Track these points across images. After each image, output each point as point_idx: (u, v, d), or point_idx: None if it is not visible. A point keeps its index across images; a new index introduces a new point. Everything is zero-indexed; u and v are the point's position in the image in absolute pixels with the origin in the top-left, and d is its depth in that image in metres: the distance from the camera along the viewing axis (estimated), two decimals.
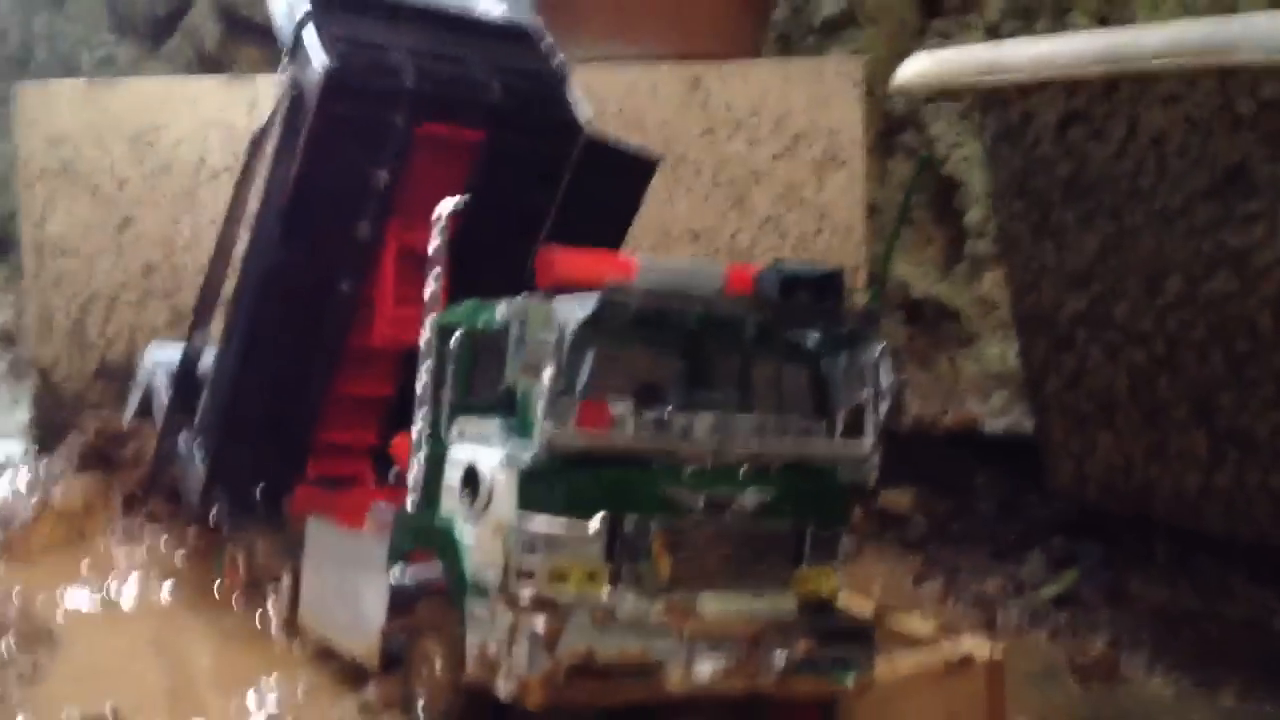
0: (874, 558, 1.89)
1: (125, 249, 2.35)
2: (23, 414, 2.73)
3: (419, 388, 1.14)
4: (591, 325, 0.99)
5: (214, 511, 1.56)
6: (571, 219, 1.47)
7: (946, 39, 2.76)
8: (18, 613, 1.30)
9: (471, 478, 1.04)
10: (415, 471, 1.12)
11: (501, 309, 1.05)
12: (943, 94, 1.68)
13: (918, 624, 1.27)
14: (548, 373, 0.98)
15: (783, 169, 2.22)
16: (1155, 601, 1.67)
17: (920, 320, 2.86)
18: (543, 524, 0.99)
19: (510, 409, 1.02)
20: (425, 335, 1.14)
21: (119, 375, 2.28)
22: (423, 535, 1.10)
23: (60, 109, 2.35)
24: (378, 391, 1.57)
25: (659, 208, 2.18)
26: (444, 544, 1.06)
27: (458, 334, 1.08)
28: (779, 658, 1.03)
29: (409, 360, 1.51)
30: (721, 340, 1.08)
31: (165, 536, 1.64)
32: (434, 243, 1.14)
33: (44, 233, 2.34)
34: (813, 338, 1.11)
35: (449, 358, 1.09)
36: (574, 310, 0.98)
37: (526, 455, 0.99)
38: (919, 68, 1.70)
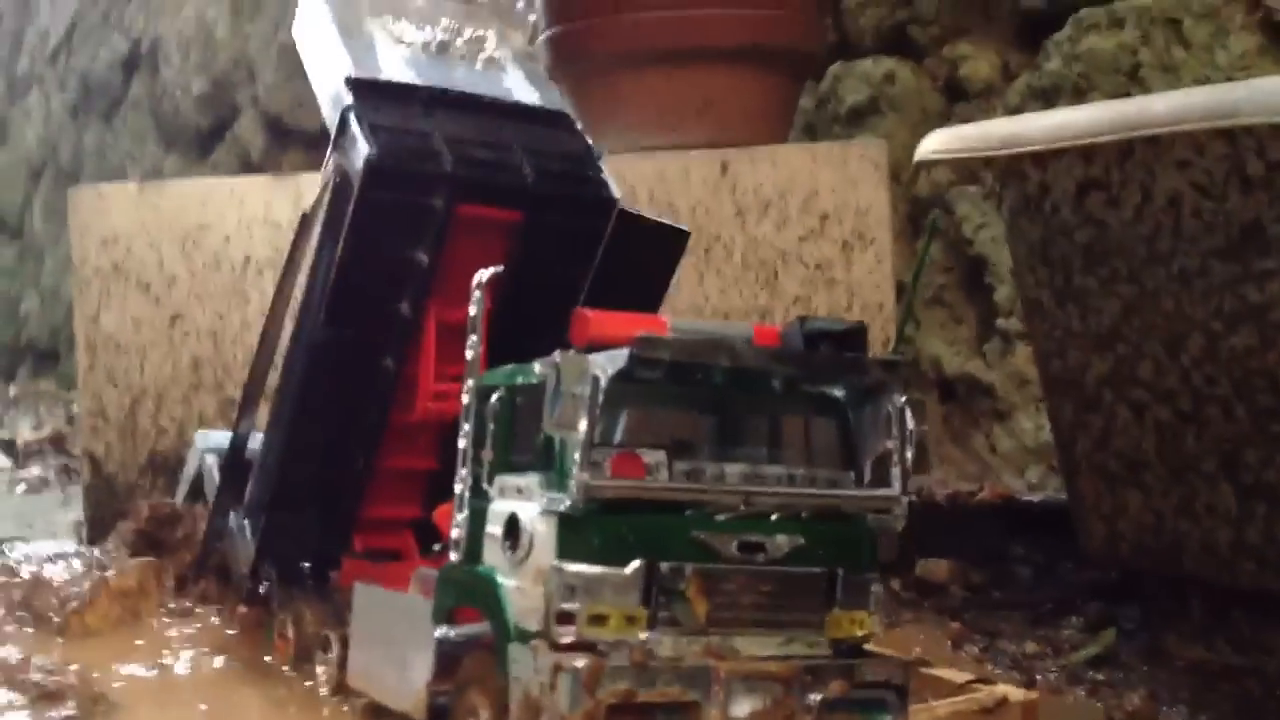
0: (912, 624, 1.91)
1: (175, 343, 2.42)
2: (74, 513, 2.80)
3: (460, 449, 1.18)
4: (625, 377, 1.03)
5: (263, 586, 1.61)
6: (607, 290, 1.51)
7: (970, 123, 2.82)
8: (78, 680, 1.35)
9: (512, 529, 1.08)
10: (458, 529, 1.17)
11: (538, 366, 1.10)
12: (962, 166, 1.73)
13: (952, 673, 1.30)
14: (582, 424, 1.02)
15: (811, 249, 2.27)
16: (1192, 659, 1.68)
17: (954, 398, 2.89)
18: (581, 570, 1.02)
19: (548, 463, 1.07)
20: (465, 398, 1.19)
21: (169, 465, 2.34)
22: (467, 588, 1.14)
23: (112, 211, 2.44)
24: (420, 465, 1.61)
25: (691, 289, 2.24)
26: (487, 595, 1.09)
27: (497, 394, 1.13)
28: (814, 698, 1.06)
29: (449, 435, 1.56)
30: (749, 394, 1.12)
31: (216, 614, 1.68)
32: (472, 310, 1.19)
33: (97, 329, 2.42)
34: (837, 391, 1.15)
35: (488, 417, 1.14)
36: (608, 362, 1.03)
37: (564, 504, 1.03)
38: (937, 143, 1.75)
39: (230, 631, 1.59)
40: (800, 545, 1.08)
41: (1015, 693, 1.17)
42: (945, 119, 2.91)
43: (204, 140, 6.00)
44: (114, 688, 1.36)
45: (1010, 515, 2.43)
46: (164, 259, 2.42)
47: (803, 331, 1.12)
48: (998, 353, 2.77)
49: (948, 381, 2.88)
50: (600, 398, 1.01)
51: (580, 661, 0.99)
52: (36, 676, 1.32)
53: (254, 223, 2.41)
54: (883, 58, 3.06)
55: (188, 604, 1.69)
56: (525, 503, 1.07)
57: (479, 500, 1.14)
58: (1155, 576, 1.79)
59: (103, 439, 2.42)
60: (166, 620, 1.65)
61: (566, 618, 1.02)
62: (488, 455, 1.14)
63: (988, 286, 2.80)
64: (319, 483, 1.59)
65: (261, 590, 1.62)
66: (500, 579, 1.08)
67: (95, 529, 2.32)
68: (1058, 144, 1.60)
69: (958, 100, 2.92)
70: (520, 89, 1.65)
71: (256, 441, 1.71)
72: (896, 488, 1.12)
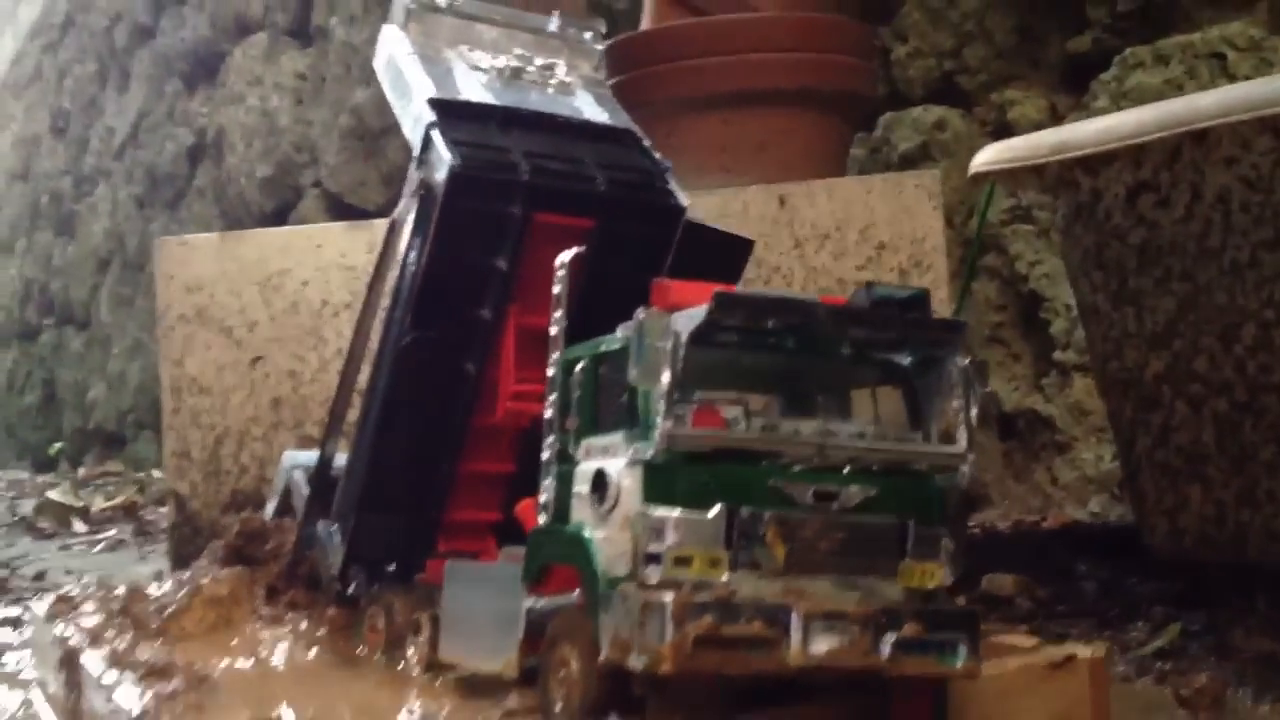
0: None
1: (256, 385, 2.51)
2: (153, 566, 2.89)
3: (546, 419, 1.25)
4: (703, 333, 1.09)
5: (351, 588, 1.67)
6: None
7: None
8: (183, 664, 1.41)
9: (600, 482, 1.14)
10: (546, 494, 1.23)
11: (620, 331, 1.17)
12: (1025, 178, 1.79)
13: (1020, 638, 1.34)
14: (665, 376, 1.09)
15: (869, 277, 2.34)
16: (1259, 650, 1.70)
17: (1014, 434, 2.92)
18: (666, 514, 1.08)
19: (632, 420, 1.13)
20: (550, 372, 1.25)
21: (251, 502, 2.42)
22: (556, 546, 1.20)
23: (195, 260, 2.55)
24: (500, 469, 1.67)
25: None
26: (577, 549, 1.15)
27: (580, 364, 1.20)
28: (889, 638, 1.10)
29: (528, 439, 1.63)
30: (821, 355, 1.18)
31: (306, 620, 1.74)
32: (556, 288, 1.26)
33: (182, 372, 2.51)
34: (904, 357, 1.21)
35: (574, 385, 1.20)
36: (688, 319, 1.10)
37: (649, 453, 1.09)
38: (992, 155, 1.82)
39: (320, 632, 1.64)
40: (872, 496, 1.13)
41: (1083, 650, 1.22)
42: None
43: (267, 221, 6.16)
44: (216, 672, 1.42)
45: (1074, 538, 2.46)
46: (245, 304, 2.52)
47: (870, 296, 1.18)
48: (1056, 386, 2.81)
49: (1008, 418, 2.93)
50: (681, 352, 1.07)
51: (668, 597, 1.04)
52: (144, 656, 1.39)
53: (330, 268, 2.51)
54: (933, 106, 3.14)
55: (278, 611, 1.75)
56: (611, 459, 1.13)
57: (566, 465, 1.20)
58: (1220, 574, 1.82)
59: (188, 478, 2.51)
60: (258, 625, 1.71)
61: (653, 559, 1.07)
62: (573, 423, 1.20)
63: (1043, 322, 2.85)
64: (405, 486, 1.65)
65: (350, 592, 1.68)
66: (588, 533, 1.14)
67: (180, 566, 2.39)
68: (1106, 146, 1.66)
69: None
70: (590, 109, 1.74)
71: (341, 460, 1.78)
72: (962, 444, 1.17)
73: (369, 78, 5.34)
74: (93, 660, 1.51)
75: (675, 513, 1.08)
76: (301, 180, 5.97)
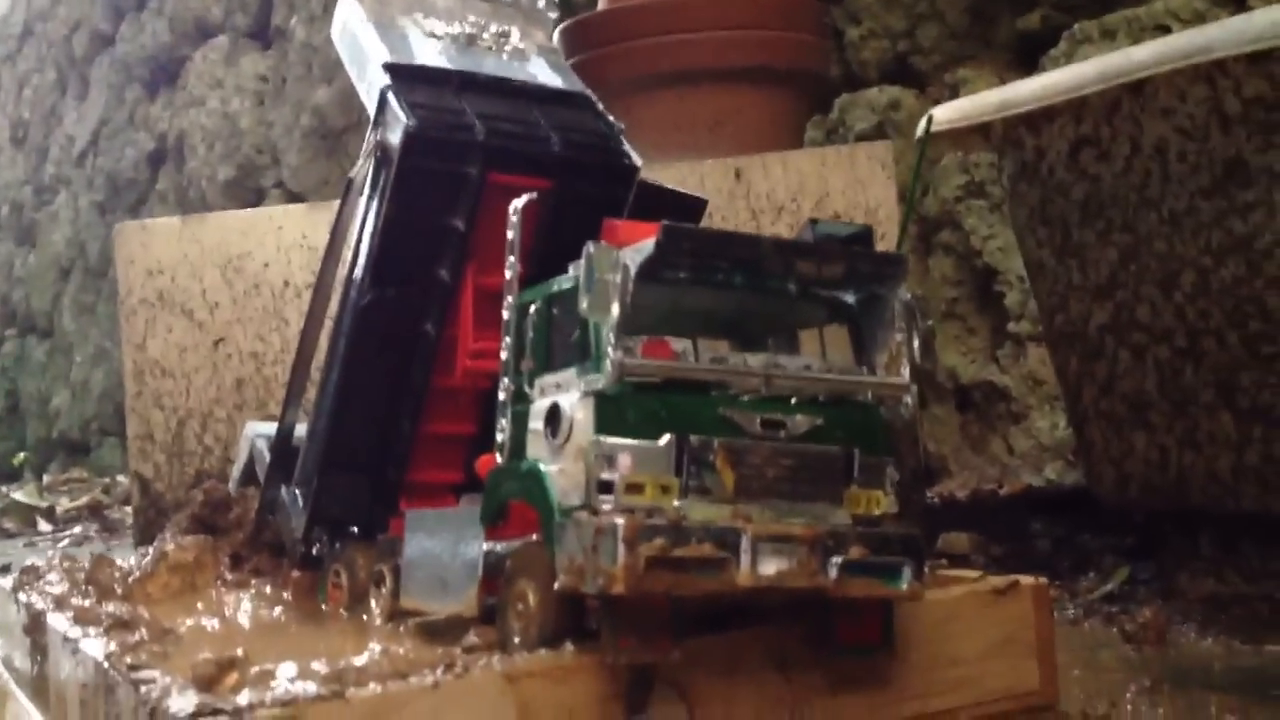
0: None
1: (218, 366, 2.53)
2: (118, 560, 2.88)
3: (502, 361, 1.27)
4: (652, 265, 1.12)
5: (315, 549, 1.69)
6: None
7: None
8: (148, 619, 1.43)
9: (553, 416, 1.16)
10: (502, 433, 1.25)
11: (571, 268, 1.19)
12: (970, 138, 1.83)
13: (965, 572, 1.37)
14: (615, 308, 1.11)
15: None
16: (1204, 592, 1.74)
17: (971, 406, 2.97)
18: (618, 443, 1.11)
19: (584, 354, 1.16)
20: (505, 314, 1.28)
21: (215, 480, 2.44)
22: (512, 482, 1.22)
23: (156, 244, 2.57)
24: (461, 430, 1.70)
25: None
26: (532, 483, 1.17)
27: (534, 305, 1.22)
28: (836, 560, 1.13)
29: (487, 400, 1.65)
30: (768, 290, 1.21)
31: (270, 585, 1.76)
32: (510, 234, 1.29)
33: (144, 356, 2.53)
34: (848, 294, 1.24)
35: (528, 326, 1.23)
36: (636, 252, 1.13)
37: (600, 384, 1.12)
38: (939, 115, 1.86)
39: (285, 594, 1.67)
40: (818, 425, 1.16)
41: (1025, 579, 1.25)
42: None
43: None
44: (180, 628, 1.44)
45: (1029, 501, 2.51)
46: (206, 287, 2.53)
47: (814, 233, 1.22)
48: (1011, 357, 2.86)
49: (964, 390, 2.97)
50: (630, 285, 1.10)
51: (620, 521, 1.07)
52: (109, 608, 1.41)
53: (292, 249, 2.53)
54: (887, 87, 3.18)
55: (243, 577, 1.77)
56: (564, 394, 1.16)
57: (521, 404, 1.22)
58: (1166, 524, 1.86)
59: (151, 460, 2.52)
60: (223, 589, 1.73)
61: (606, 487, 1.10)
62: (528, 364, 1.23)
63: (998, 295, 2.90)
64: (366, 447, 1.68)
65: (313, 554, 1.71)
66: (543, 467, 1.16)
67: (145, 542, 2.40)
68: (1048, 101, 1.70)
69: None
70: (545, 75, 1.77)
71: (302, 429, 1.80)
72: (905, 376, 1.21)
73: (330, 77, 5.35)
74: (58, 621, 1.53)
75: (627, 441, 1.11)
76: (263, 181, 5.98)
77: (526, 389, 1.23)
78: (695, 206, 1.74)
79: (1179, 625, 1.60)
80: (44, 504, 4.49)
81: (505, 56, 1.79)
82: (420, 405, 1.67)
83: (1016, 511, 2.40)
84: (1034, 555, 2.17)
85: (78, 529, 4.13)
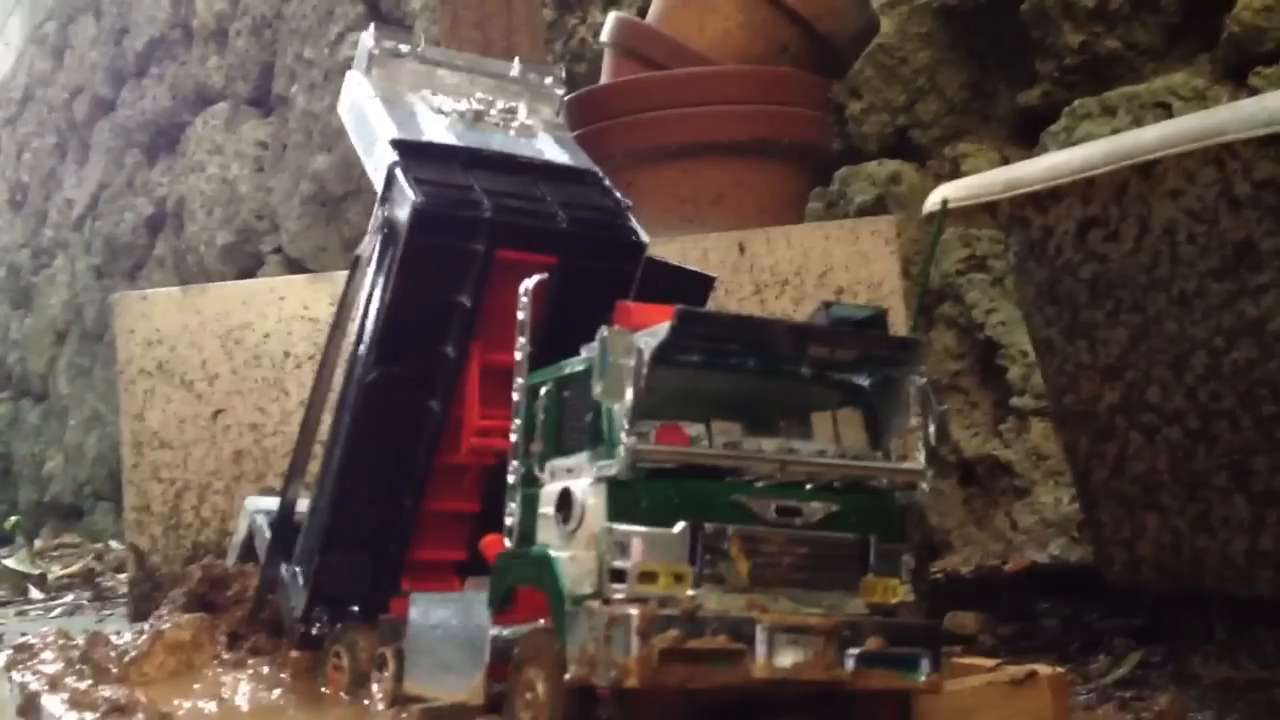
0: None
1: (217, 438, 2.51)
2: (112, 629, 2.85)
3: (512, 444, 1.26)
4: (667, 350, 1.11)
5: (316, 628, 1.66)
6: None
7: None
8: (145, 705, 1.40)
9: (565, 501, 1.15)
10: (511, 518, 1.24)
11: (584, 351, 1.18)
12: (977, 215, 1.83)
13: (980, 659, 1.35)
14: (629, 393, 1.10)
15: None
16: (1218, 677, 1.72)
17: (974, 480, 2.95)
18: (631, 530, 1.09)
19: (596, 439, 1.14)
20: (515, 396, 1.27)
21: (213, 556, 2.41)
22: (522, 568, 1.20)
23: (156, 314, 2.55)
24: (465, 507, 1.68)
25: None
26: (542, 569, 1.15)
27: (544, 387, 1.21)
28: (853, 652, 1.11)
29: (492, 476, 1.64)
30: (782, 374, 1.20)
31: (269, 664, 1.73)
32: (520, 315, 1.28)
33: (142, 426, 2.51)
34: (862, 377, 1.23)
35: (538, 409, 1.22)
36: (650, 336, 1.11)
37: (613, 469, 1.11)
38: (945, 194, 1.86)
39: (283, 675, 1.64)
40: (834, 512, 1.15)
41: (1044, 668, 1.23)
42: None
43: None
44: (179, 712, 1.41)
45: (1035, 579, 2.48)
46: (206, 357, 2.52)
47: (828, 316, 1.21)
48: (1014, 431, 2.84)
49: (967, 464, 2.95)
50: (644, 369, 1.09)
51: (634, 610, 1.05)
52: (106, 692, 1.38)
53: (293, 320, 2.52)
54: (887, 160, 3.19)
55: (240, 656, 1.74)
56: (576, 479, 1.14)
57: (531, 488, 1.21)
58: (1177, 606, 1.84)
59: (147, 532, 2.49)
60: (220, 670, 1.70)
61: (618, 575, 1.08)
62: (537, 447, 1.21)
63: (1000, 368, 2.89)
64: (369, 525, 1.66)
65: (313, 634, 1.68)
66: (554, 553, 1.15)
67: (141, 616, 2.37)
68: (1055, 181, 1.70)
69: None
70: (551, 151, 1.77)
71: (304, 505, 1.78)
72: (921, 461, 1.19)
73: (330, 144, 5.37)
74: (53, 703, 1.50)
75: (640, 529, 1.09)
76: (262, 247, 5.98)
77: (537, 472, 1.21)
78: (702, 283, 1.73)
79: (1194, 713, 1.57)
80: (36, 571, 4.44)
81: (512, 133, 1.79)
82: (424, 483, 1.65)
83: (1022, 589, 2.38)
84: (1042, 635, 2.14)
85: (70, 597, 4.08)
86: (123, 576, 4.74)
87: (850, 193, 3.21)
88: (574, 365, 1.19)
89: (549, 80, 1.87)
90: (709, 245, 2.37)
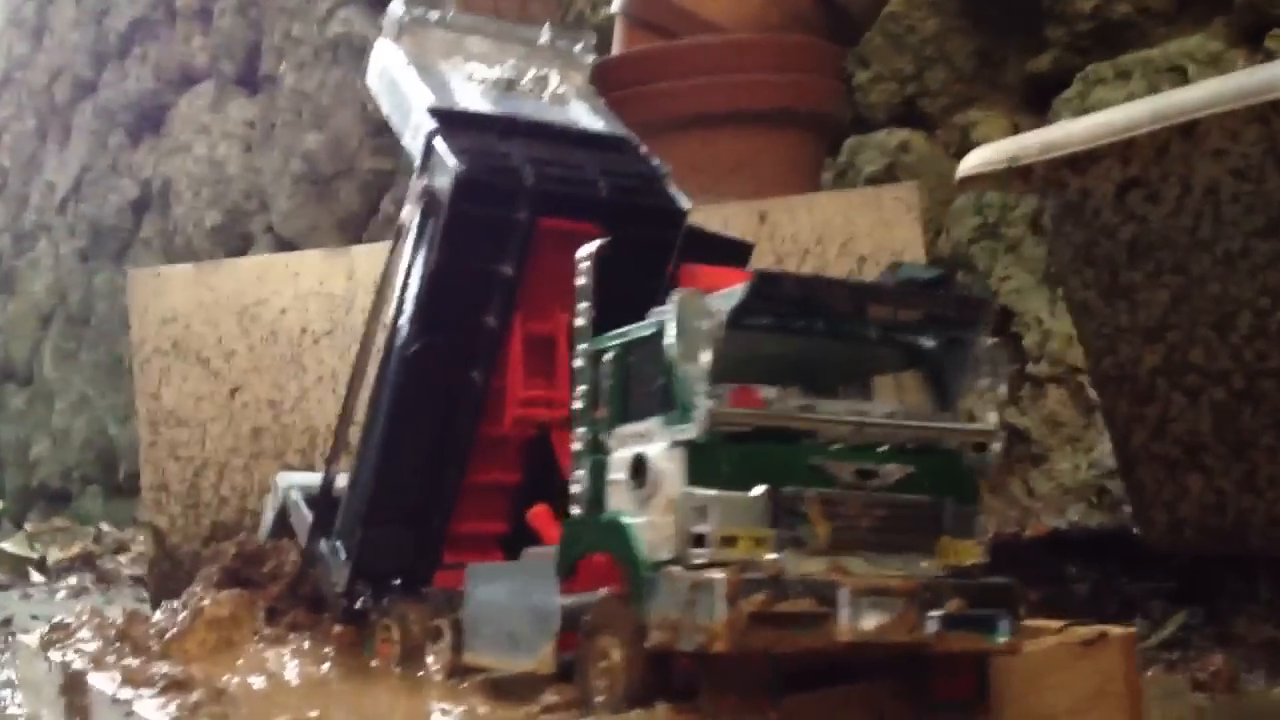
0: None
1: (235, 415, 2.49)
2: (116, 609, 2.84)
3: (574, 411, 1.24)
4: (744, 309, 1.10)
5: (359, 602, 1.65)
6: None
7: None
8: (203, 680, 1.38)
9: (639, 467, 1.13)
10: (578, 485, 1.22)
11: (652, 316, 1.16)
12: (1011, 179, 1.82)
13: (1044, 621, 1.34)
14: (704, 356, 1.09)
15: None
16: (1264, 637, 1.72)
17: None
18: (711, 495, 1.08)
19: (668, 403, 1.13)
20: (578, 363, 1.25)
21: (232, 534, 2.39)
22: (593, 535, 1.19)
23: (170, 291, 2.53)
24: (506, 479, 1.67)
25: None
26: (616, 536, 1.14)
27: (610, 353, 1.20)
28: (934, 614, 1.10)
29: (534, 448, 1.62)
30: (852, 335, 1.19)
31: (309, 639, 1.72)
32: (581, 280, 1.27)
33: (158, 405, 2.48)
34: (929, 339, 1.22)
35: (602, 376, 1.20)
36: (727, 297, 1.10)
37: (691, 434, 1.09)
38: (979, 159, 1.84)
39: (327, 649, 1.62)
40: (909, 474, 1.14)
41: (1114, 629, 1.22)
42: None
43: None
44: (232, 686, 1.40)
45: (1058, 544, 2.48)
46: (222, 335, 2.49)
47: (895, 277, 1.19)
48: (1030, 399, 2.84)
49: None
50: (720, 331, 1.08)
51: (719, 575, 1.04)
52: (163, 669, 1.36)
53: (309, 295, 2.49)
54: (896, 129, 3.18)
55: (279, 631, 1.73)
56: (648, 444, 1.13)
57: (598, 454, 1.19)
58: (1214, 567, 1.84)
59: (166, 512, 2.47)
60: (261, 645, 1.68)
61: (699, 540, 1.07)
62: (602, 413, 1.20)
63: (1015, 336, 2.88)
64: (411, 498, 1.64)
65: (356, 608, 1.66)
66: (627, 519, 1.13)
67: (160, 596, 2.35)
68: (1097, 142, 1.69)
69: None
70: (586, 118, 1.75)
71: (342, 480, 1.75)
72: (992, 422, 1.18)
73: (321, 122, 5.33)
74: (102, 681, 1.48)
75: (720, 493, 1.08)
76: (251, 227, 5.94)
77: (603, 439, 1.20)
78: (741, 250, 1.72)
79: (1245, 673, 1.57)
80: (35, 555, 4.41)
81: (546, 100, 1.77)
82: (466, 455, 1.63)
83: (1046, 555, 2.37)
84: (1072, 599, 2.14)
85: (72, 580, 4.05)
86: (123, 559, 4.71)
87: (859, 162, 3.20)
88: (640, 330, 1.18)
89: (579, 47, 1.85)
90: (729, 214, 2.35)
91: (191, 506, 2.46)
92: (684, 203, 1.64)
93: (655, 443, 1.13)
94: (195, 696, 1.30)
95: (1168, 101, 1.60)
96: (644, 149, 1.71)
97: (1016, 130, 2.99)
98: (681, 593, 1.06)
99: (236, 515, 2.45)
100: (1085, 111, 2.75)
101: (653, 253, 1.62)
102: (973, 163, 1.85)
